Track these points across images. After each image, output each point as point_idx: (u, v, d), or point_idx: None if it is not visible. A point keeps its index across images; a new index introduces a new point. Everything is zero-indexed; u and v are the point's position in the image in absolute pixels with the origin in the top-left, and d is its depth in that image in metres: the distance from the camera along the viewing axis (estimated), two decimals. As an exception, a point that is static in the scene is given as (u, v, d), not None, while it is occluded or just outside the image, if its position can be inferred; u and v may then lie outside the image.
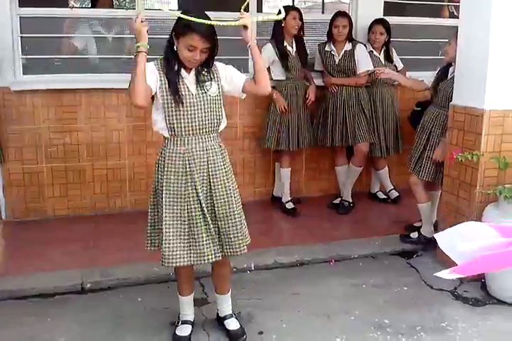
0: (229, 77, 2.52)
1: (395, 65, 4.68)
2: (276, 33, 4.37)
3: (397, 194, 4.83)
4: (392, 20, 4.77)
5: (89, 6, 5.50)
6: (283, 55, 4.33)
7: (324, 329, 2.82)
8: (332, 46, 4.49)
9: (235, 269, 3.39)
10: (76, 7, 4.89)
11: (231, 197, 2.51)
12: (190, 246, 2.47)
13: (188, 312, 2.78)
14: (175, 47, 2.37)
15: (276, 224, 4.41)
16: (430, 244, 3.72)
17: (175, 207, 2.45)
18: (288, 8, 4.25)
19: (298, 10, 4.39)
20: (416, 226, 4.01)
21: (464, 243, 1.49)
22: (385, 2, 4.95)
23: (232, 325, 2.75)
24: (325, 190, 4.98)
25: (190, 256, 2.47)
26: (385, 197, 4.89)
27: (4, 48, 4.15)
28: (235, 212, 2.51)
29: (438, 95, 3.71)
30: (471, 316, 2.99)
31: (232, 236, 2.51)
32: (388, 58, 4.65)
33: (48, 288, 3.18)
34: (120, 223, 4.28)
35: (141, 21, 2.34)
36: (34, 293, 3.14)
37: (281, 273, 3.48)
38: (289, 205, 4.54)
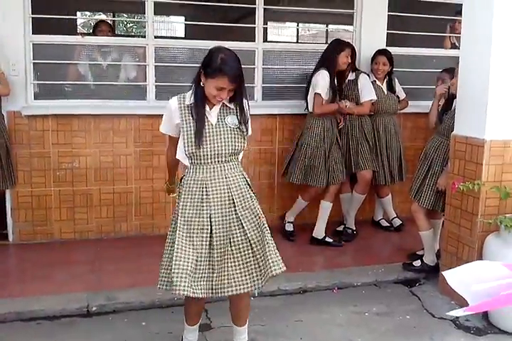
0: (245, 119, 2.56)
1: (397, 95, 4.79)
2: (330, 63, 4.32)
3: (400, 222, 4.88)
4: (395, 50, 4.91)
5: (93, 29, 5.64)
6: (333, 89, 4.34)
7: (327, 357, 2.85)
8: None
9: (238, 295, 3.43)
10: (86, 34, 5.01)
11: (260, 222, 2.53)
12: (202, 277, 2.45)
13: (191, 338, 2.80)
14: (201, 83, 2.45)
15: (281, 251, 4.42)
16: (432, 272, 3.76)
17: (187, 233, 2.46)
18: (344, 45, 4.36)
19: (352, 47, 4.47)
20: (419, 254, 4.05)
21: (478, 283, 1.54)
22: (388, 33, 5.10)
23: None
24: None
25: (201, 287, 2.44)
26: (388, 225, 4.94)
27: (17, 74, 4.28)
28: (267, 236, 2.51)
29: (442, 125, 3.80)
30: (472, 345, 3.01)
31: (269, 258, 2.47)
32: (390, 88, 4.76)
33: (54, 310, 3.21)
34: (125, 247, 4.32)
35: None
36: (41, 315, 3.18)
37: (285, 300, 3.51)
38: (289, 227, 4.58)
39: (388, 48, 4.87)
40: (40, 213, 4.39)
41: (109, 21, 5.89)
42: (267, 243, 2.50)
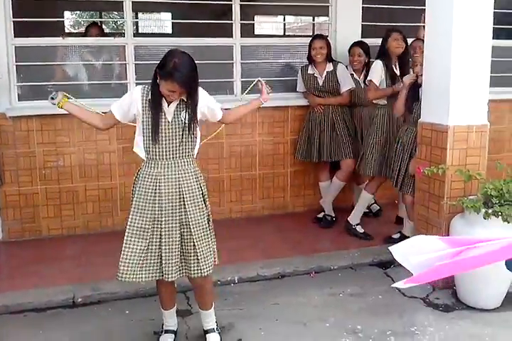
0: (207, 110, 2.73)
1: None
2: (383, 53, 4.46)
3: (378, 207, 5.03)
4: (373, 41, 5.02)
5: (84, 32, 5.76)
6: (392, 77, 4.40)
7: (300, 336, 3.00)
8: (314, 69, 4.71)
9: (219, 282, 3.58)
10: (67, 36, 5.14)
11: (204, 220, 2.70)
12: (148, 263, 2.65)
13: (170, 323, 2.96)
14: (157, 81, 2.58)
15: (261, 238, 4.58)
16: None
17: (138, 224, 2.64)
18: (390, 31, 4.49)
19: (400, 31, 4.50)
20: (394, 237, 4.20)
21: (416, 255, 1.69)
22: (363, 24, 5.21)
23: (212, 339, 2.90)
24: (309, 205, 5.17)
25: (148, 273, 2.65)
26: (367, 210, 5.07)
27: (1, 76, 4.39)
28: (205, 235, 2.69)
29: (413, 115, 3.93)
30: (440, 321, 3.16)
31: (196, 259, 2.67)
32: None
33: (41, 302, 3.36)
34: (111, 241, 4.37)
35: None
36: (29, 307, 3.33)
37: (263, 285, 3.66)
38: (359, 229, 4.54)
39: (365, 40, 4.98)
40: (28, 211, 4.53)
41: (98, 23, 5.99)
42: (205, 242, 2.69)
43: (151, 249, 2.65)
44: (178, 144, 2.63)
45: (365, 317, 3.19)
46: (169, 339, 2.89)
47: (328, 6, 5.21)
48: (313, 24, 9.43)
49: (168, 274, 2.65)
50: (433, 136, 3.57)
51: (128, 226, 2.67)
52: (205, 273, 2.70)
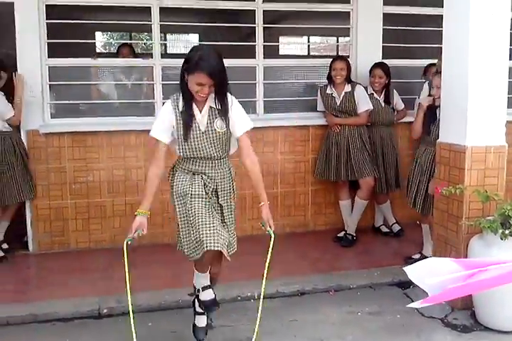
0: (235, 121, 2.80)
1: (393, 108, 4.99)
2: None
3: (400, 227, 5.06)
4: (391, 62, 5.12)
5: (116, 52, 5.99)
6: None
7: (317, 352, 3.05)
8: (333, 89, 4.83)
9: (239, 298, 3.67)
10: (98, 56, 5.39)
11: (231, 215, 2.93)
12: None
13: (205, 282, 3.01)
14: (185, 79, 2.69)
15: (282, 255, 4.63)
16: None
17: (183, 206, 2.84)
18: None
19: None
20: (414, 258, 4.23)
21: (431, 277, 1.77)
22: (383, 46, 5.31)
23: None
24: (330, 223, 5.23)
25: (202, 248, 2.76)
26: (388, 230, 5.12)
27: (34, 95, 4.62)
28: (233, 222, 2.97)
29: (431, 136, 4.00)
30: (457, 341, 3.18)
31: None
32: (387, 100, 4.96)
33: (68, 312, 3.50)
34: (137, 255, 4.56)
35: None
36: (56, 317, 3.47)
37: (283, 302, 3.72)
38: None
39: (386, 61, 5.08)
40: (57, 224, 4.71)
41: (129, 44, 6.22)
42: (233, 228, 2.97)
43: (204, 223, 2.76)
44: (212, 150, 2.78)
45: (383, 336, 3.23)
46: (212, 294, 2.98)
47: (349, 28, 5.33)
48: (337, 45, 9.58)
49: (216, 243, 2.72)
50: (451, 156, 3.63)
51: (178, 217, 2.88)
52: (234, 250, 2.93)
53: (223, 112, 2.76)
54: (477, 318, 3.42)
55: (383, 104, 4.94)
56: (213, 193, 2.86)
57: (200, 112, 2.75)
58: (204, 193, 2.81)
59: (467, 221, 3.45)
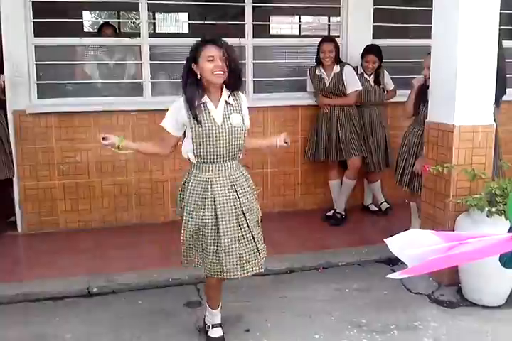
0: (246, 114, 2.77)
1: (383, 88, 4.99)
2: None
3: (388, 206, 5.10)
4: (383, 42, 5.09)
5: (97, 31, 5.91)
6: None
7: (305, 328, 3.10)
8: (322, 70, 4.81)
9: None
10: (85, 36, 5.32)
11: (257, 217, 2.83)
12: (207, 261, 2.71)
13: (218, 321, 2.98)
14: (198, 75, 2.61)
15: (271, 234, 4.66)
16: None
17: (193, 226, 2.70)
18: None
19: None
20: (402, 235, 4.27)
21: (411, 248, 1.78)
22: (374, 26, 5.28)
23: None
24: (319, 203, 5.26)
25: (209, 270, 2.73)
26: (377, 209, 5.16)
27: (21, 75, 4.56)
28: (259, 232, 2.85)
29: (420, 115, 4.01)
30: (443, 317, 3.23)
31: (258, 253, 2.79)
32: (377, 81, 4.95)
33: (57, 292, 3.50)
34: (126, 235, 4.60)
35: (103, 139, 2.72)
36: (46, 296, 3.47)
37: (272, 279, 3.76)
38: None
39: (376, 41, 5.05)
40: (46, 205, 4.69)
41: (112, 23, 6.14)
42: (261, 239, 2.84)
43: (209, 248, 2.68)
44: (228, 147, 2.65)
45: (370, 312, 3.28)
46: (221, 332, 2.94)
47: (339, 8, 5.29)
48: (329, 25, 9.52)
49: (230, 272, 2.66)
50: (439, 135, 3.64)
51: (183, 230, 2.72)
52: (262, 267, 2.82)
53: (238, 107, 2.70)
54: (463, 294, 3.48)
55: (373, 85, 4.94)
56: (234, 202, 2.69)
57: (216, 107, 2.66)
58: (218, 216, 2.66)
59: (454, 199, 3.49)
